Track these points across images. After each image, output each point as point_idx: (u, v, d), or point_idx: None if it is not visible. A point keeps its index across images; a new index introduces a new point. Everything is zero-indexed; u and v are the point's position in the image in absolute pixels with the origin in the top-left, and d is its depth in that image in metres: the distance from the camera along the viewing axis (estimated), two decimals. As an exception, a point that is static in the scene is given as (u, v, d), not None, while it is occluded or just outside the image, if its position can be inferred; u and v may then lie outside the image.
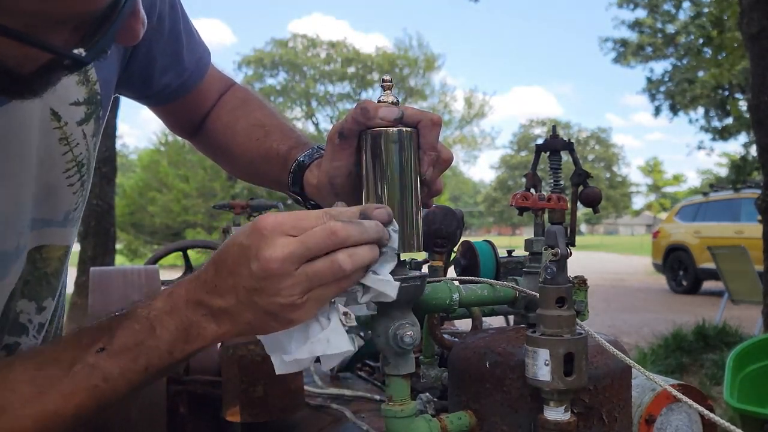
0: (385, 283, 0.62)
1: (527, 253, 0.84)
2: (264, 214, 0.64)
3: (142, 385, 0.65)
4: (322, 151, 0.85)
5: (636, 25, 17.86)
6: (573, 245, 0.86)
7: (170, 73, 0.95)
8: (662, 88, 18.36)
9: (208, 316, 0.63)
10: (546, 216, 0.84)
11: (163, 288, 0.67)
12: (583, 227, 61.88)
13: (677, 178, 57.32)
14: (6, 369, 0.63)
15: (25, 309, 0.81)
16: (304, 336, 0.63)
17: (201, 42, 1.00)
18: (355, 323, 0.63)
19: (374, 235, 0.62)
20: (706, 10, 12.43)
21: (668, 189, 57.10)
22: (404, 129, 0.69)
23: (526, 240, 0.84)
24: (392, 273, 0.65)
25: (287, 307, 0.60)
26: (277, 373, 0.65)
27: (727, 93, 16.27)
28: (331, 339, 0.62)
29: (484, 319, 1.02)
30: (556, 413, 0.66)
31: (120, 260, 17.72)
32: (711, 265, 7.78)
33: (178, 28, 0.94)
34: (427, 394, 0.93)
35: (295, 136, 0.94)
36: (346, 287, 0.62)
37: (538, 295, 0.68)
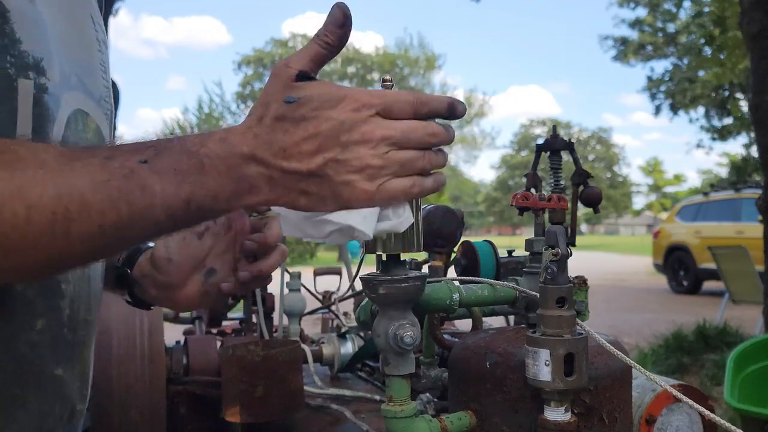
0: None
1: (527, 253, 0.84)
2: None
3: (177, 223, 0.57)
4: None
5: (636, 23, 17.87)
6: (573, 245, 0.86)
7: None
8: (662, 88, 18.36)
9: (264, 177, 0.56)
10: (546, 216, 0.84)
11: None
12: (583, 227, 61.91)
13: (678, 178, 57.38)
14: (35, 149, 0.54)
15: None
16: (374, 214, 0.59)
17: None
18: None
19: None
20: (707, 9, 12.43)
21: (669, 189, 57.15)
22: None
23: (526, 240, 0.84)
24: (391, 273, 0.66)
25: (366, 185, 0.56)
26: (373, 235, 0.60)
27: (727, 93, 16.26)
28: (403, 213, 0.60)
29: (484, 319, 1.02)
30: (556, 414, 0.66)
31: (120, 260, 17.67)
32: (711, 265, 7.78)
33: None
34: (427, 394, 0.94)
35: None
36: (410, 194, 0.58)
37: (538, 295, 0.68)
